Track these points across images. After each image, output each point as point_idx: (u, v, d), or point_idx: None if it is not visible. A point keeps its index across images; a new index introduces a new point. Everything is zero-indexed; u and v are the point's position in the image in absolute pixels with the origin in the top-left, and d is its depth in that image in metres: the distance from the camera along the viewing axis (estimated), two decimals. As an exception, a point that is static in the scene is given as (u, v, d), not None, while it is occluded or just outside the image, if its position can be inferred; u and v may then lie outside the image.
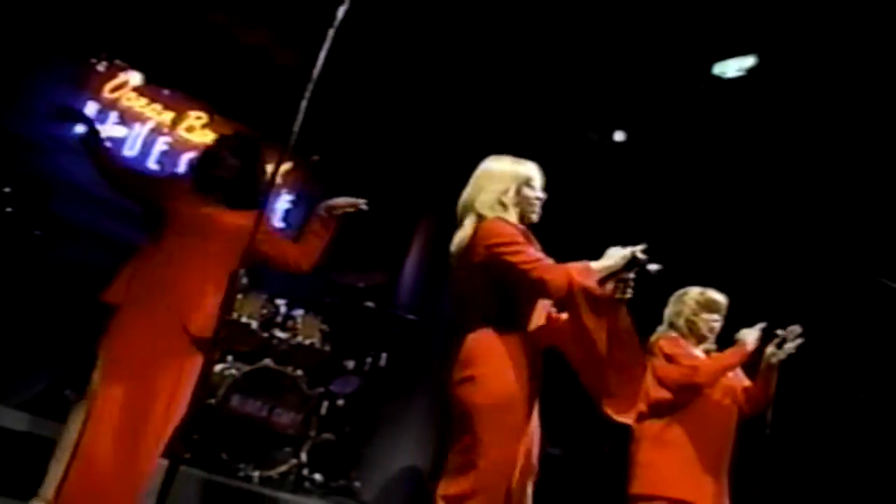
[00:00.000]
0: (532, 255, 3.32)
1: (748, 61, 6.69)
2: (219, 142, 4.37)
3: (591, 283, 3.21)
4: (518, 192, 3.54)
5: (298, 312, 6.56)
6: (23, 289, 6.31)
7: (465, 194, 3.62)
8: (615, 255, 3.31)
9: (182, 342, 3.82)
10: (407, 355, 7.27)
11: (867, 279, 6.34)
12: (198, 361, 3.73)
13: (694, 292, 4.61)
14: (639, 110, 7.99)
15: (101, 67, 7.77)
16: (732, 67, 6.77)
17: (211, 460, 5.35)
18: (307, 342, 6.45)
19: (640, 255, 3.23)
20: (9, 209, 6.44)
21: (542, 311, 3.44)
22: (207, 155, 4.30)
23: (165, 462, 4.50)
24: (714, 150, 7.76)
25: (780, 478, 6.73)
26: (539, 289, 3.29)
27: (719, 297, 4.62)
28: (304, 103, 3.07)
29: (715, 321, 4.57)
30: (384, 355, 7.13)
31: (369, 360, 7.06)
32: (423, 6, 6.96)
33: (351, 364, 7.04)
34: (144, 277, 3.88)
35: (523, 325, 3.34)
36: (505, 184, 3.54)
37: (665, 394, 4.31)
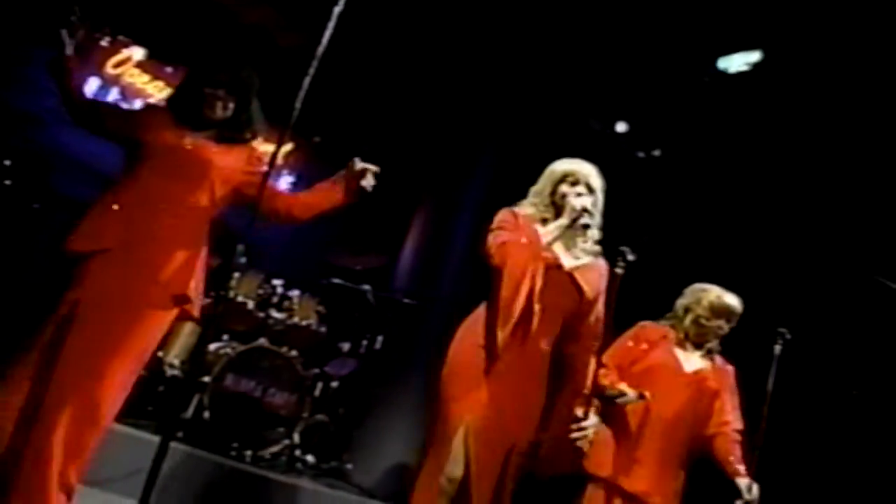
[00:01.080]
0: (502, 236, 3.50)
1: (753, 56, 6.68)
2: (208, 76, 3.74)
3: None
4: (553, 191, 3.72)
5: (295, 293, 6.56)
6: (21, 262, 6.31)
7: None
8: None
9: (156, 296, 3.46)
10: (403, 339, 7.27)
11: (865, 278, 6.36)
12: (169, 317, 3.55)
13: (712, 294, 4.51)
14: (642, 102, 7.98)
15: (104, 42, 7.75)
16: (737, 62, 6.76)
17: (203, 438, 5.35)
18: (303, 323, 6.45)
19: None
20: (8, 182, 6.44)
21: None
22: (193, 89, 3.74)
23: (157, 439, 4.53)
24: (716, 145, 7.75)
25: (776, 474, 6.75)
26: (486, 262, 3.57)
27: (735, 305, 4.51)
28: (306, 81, 3.06)
29: (722, 329, 4.51)
30: (380, 338, 7.14)
31: (365, 342, 7.06)
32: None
33: (346, 346, 7.05)
34: (116, 223, 3.47)
35: (500, 305, 3.44)
36: (542, 183, 3.79)
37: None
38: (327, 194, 3.89)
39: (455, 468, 3.30)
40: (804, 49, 6.52)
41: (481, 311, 3.59)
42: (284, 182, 8.70)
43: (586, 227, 3.61)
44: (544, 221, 3.67)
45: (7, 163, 6.49)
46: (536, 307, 3.49)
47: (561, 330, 3.62)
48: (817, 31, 6.38)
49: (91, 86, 7.77)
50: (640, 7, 6.74)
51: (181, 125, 3.67)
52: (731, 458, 4.28)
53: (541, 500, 5.14)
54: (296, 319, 6.42)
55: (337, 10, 3.02)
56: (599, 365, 3.86)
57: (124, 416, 5.05)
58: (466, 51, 7.60)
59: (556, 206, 3.69)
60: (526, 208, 3.73)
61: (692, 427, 4.35)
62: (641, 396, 4.11)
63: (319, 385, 6.49)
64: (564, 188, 3.69)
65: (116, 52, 7.83)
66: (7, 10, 6.89)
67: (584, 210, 3.55)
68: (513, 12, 7.08)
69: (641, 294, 4.54)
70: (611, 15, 6.85)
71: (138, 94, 7.97)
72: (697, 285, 4.62)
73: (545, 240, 3.53)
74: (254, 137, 3.84)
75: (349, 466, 6.56)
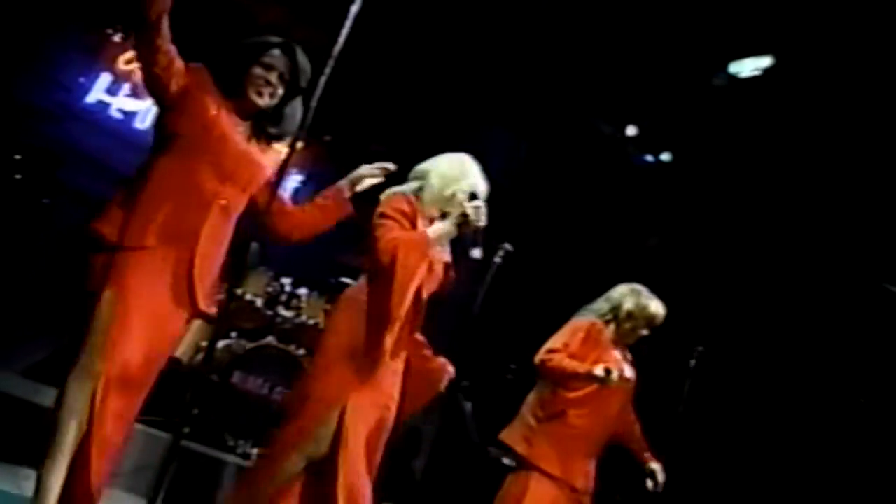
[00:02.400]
0: (394, 231, 3.50)
1: (764, 61, 6.69)
2: (261, 52, 3.27)
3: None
4: (452, 194, 3.72)
5: (303, 291, 6.56)
6: (30, 256, 6.33)
7: None
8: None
9: (188, 305, 3.14)
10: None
11: (871, 284, 6.35)
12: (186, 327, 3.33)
13: (641, 301, 4.76)
14: (652, 106, 7.98)
15: (116, 38, 7.76)
16: (748, 67, 6.76)
17: (210, 436, 5.36)
18: (311, 322, 6.45)
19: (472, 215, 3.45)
20: (18, 176, 6.45)
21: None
22: (240, 65, 3.25)
23: (167, 437, 4.54)
24: (726, 149, 7.74)
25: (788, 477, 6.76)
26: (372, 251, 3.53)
27: (661, 314, 4.79)
28: (322, 80, 3.02)
29: (644, 334, 4.80)
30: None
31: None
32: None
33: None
34: (164, 218, 3.04)
35: (387, 308, 3.44)
36: (441, 181, 3.77)
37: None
38: (334, 209, 3.65)
39: (320, 446, 3.32)
40: (814, 55, 6.52)
41: (363, 296, 3.54)
42: (293, 181, 8.69)
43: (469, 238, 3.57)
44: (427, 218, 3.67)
45: (17, 157, 6.51)
46: (420, 305, 3.61)
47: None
48: (827, 37, 6.38)
49: (102, 82, 7.78)
50: (651, 11, 6.75)
51: (224, 103, 3.20)
52: (644, 447, 4.85)
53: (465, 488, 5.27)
54: (304, 318, 6.42)
55: (354, 9, 2.98)
56: (550, 350, 4.49)
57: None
58: (478, 52, 7.62)
59: (446, 208, 3.68)
60: (410, 194, 3.69)
61: (617, 425, 4.76)
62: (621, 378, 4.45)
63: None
64: (462, 196, 3.67)
65: (128, 48, 7.84)
66: (22, 5, 6.91)
67: (477, 228, 3.53)
68: (526, 14, 7.09)
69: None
70: (620, 21, 6.85)
71: (150, 90, 7.98)
72: (631, 287, 4.84)
73: (430, 237, 3.51)
74: (283, 138, 3.42)
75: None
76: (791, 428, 7.30)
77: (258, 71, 3.22)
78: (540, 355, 4.56)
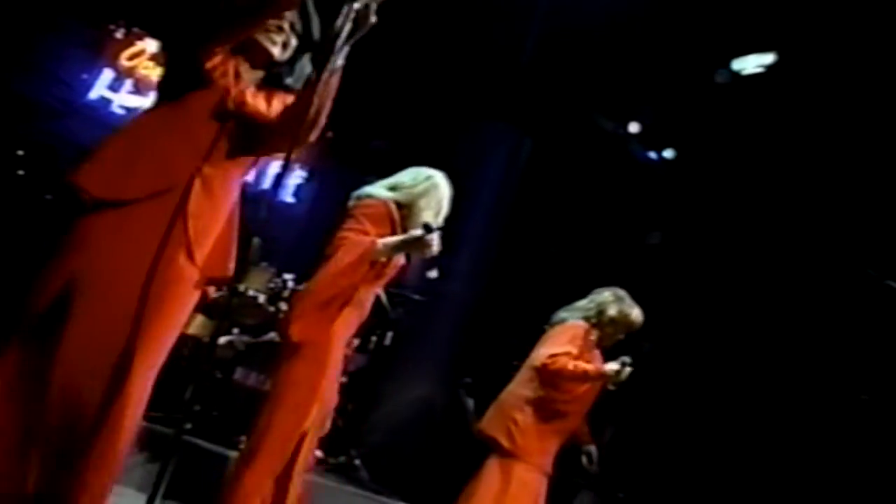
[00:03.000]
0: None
1: (768, 58, 6.68)
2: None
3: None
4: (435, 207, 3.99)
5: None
6: (32, 252, 6.32)
7: None
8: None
9: (188, 271, 2.69)
10: (412, 334, 7.27)
11: (874, 281, 6.33)
12: (195, 299, 2.79)
13: (624, 308, 4.98)
14: (656, 102, 7.97)
15: (118, 34, 7.76)
16: (752, 63, 6.76)
17: (212, 431, 5.35)
18: (313, 318, 6.43)
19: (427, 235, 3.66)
20: (20, 172, 6.45)
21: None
22: (252, 10, 2.80)
23: (169, 432, 4.54)
24: (729, 145, 7.74)
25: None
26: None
27: (639, 322, 5.00)
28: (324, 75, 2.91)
29: (620, 338, 5.01)
30: (390, 334, 7.13)
31: (374, 338, 7.05)
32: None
33: (356, 342, 7.03)
34: (148, 165, 2.64)
35: None
36: (430, 194, 4.02)
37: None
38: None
39: None
40: (817, 51, 6.52)
41: None
42: (296, 178, 8.70)
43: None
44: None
45: (19, 153, 6.50)
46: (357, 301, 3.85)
47: None
48: (830, 34, 6.38)
49: (105, 78, 7.78)
50: (655, 8, 6.74)
51: (236, 50, 2.84)
52: (586, 431, 5.14)
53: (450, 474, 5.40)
54: (306, 314, 6.40)
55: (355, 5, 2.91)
56: (553, 355, 4.70)
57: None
58: (480, 47, 7.61)
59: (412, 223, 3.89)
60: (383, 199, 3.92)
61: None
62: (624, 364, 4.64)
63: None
64: (429, 215, 3.89)
65: (131, 44, 7.84)
66: (19, 1, 6.91)
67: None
68: (529, 11, 7.09)
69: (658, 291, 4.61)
70: (622, 18, 6.84)
71: (152, 87, 7.97)
72: (615, 293, 5.05)
73: (378, 247, 3.72)
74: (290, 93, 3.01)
75: (358, 461, 6.56)
76: (796, 424, 7.30)
77: (272, 21, 2.86)
78: (542, 359, 4.77)
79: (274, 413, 3.65)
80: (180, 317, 2.74)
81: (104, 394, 2.47)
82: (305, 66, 3.04)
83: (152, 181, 2.63)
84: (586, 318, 4.94)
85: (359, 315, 3.87)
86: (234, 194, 2.88)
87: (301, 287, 6.50)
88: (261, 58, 2.90)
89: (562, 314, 5.02)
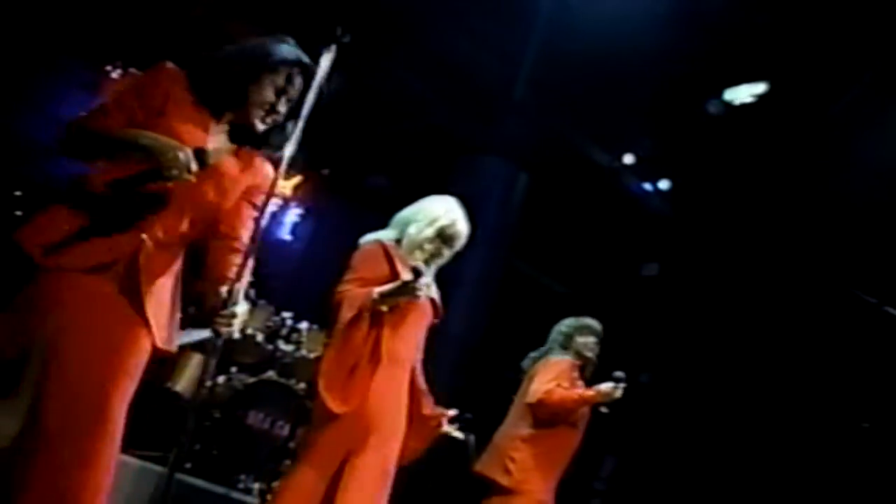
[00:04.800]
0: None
1: (759, 87, 6.74)
2: (282, 61, 2.75)
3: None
4: (433, 239, 3.90)
5: (304, 325, 6.56)
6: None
7: None
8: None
9: (142, 341, 2.58)
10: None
11: (872, 309, 6.35)
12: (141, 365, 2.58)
13: (569, 319, 5.21)
14: (650, 134, 8.03)
15: (115, 75, 7.82)
16: (743, 93, 6.82)
17: (211, 470, 5.35)
18: (311, 355, 6.44)
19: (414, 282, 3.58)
20: (19, 213, 6.47)
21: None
22: (248, 68, 2.71)
23: (164, 470, 4.52)
24: (721, 175, 7.80)
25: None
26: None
27: (592, 322, 5.17)
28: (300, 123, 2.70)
29: (593, 343, 5.10)
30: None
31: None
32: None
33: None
34: (97, 234, 2.57)
35: None
36: (423, 225, 3.92)
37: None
38: None
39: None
40: (809, 80, 6.59)
41: None
42: (292, 216, 8.74)
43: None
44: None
45: (17, 193, 6.53)
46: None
47: None
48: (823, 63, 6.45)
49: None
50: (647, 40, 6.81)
51: (200, 107, 2.69)
52: None
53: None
54: (304, 352, 6.41)
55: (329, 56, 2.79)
56: (547, 390, 4.77)
57: (131, 447, 5.08)
58: (474, 82, 7.68)
59: (425, 250, 3.88)
60: (389, 239, 3.90)
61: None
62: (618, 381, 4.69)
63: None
64: (441, 244, 3.89)
65: (127, 84, 7.90)
66: (23, 42, 6.97)
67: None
68: (523, 43, 7.16)
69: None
70: (618, 48, 6.91)
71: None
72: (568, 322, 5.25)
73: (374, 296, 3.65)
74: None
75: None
76: (797, 452, 7.30)
77: (268, 91, 2.72)
78: (538, 395, 4.82)
79: (295, 469, 3.63)
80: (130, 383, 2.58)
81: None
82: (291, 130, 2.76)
83: (110, 251, 2.56)
84: (563, 349, 5.08)
85: (401, 370, 3.76)
86: (178, 264, 2.74)
87: (302, 326, 6.57)
88: (237, 121, 2.77)
89: (533, 355, 5.19)
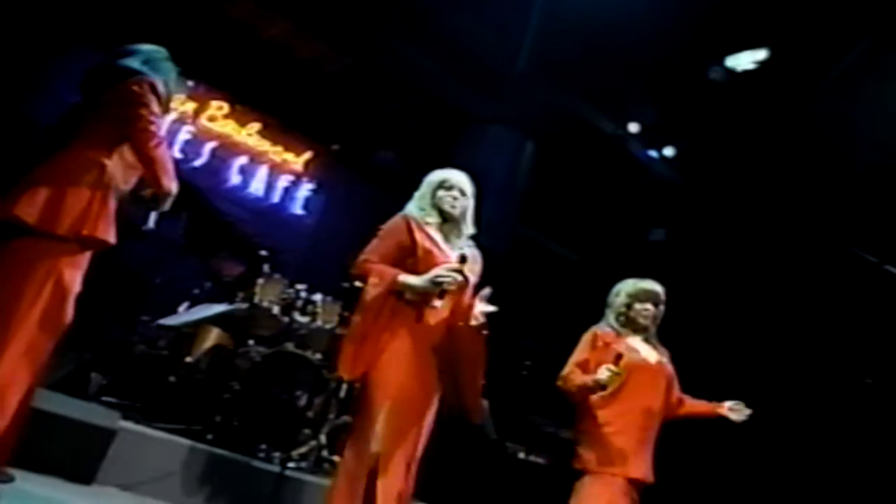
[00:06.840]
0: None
1: (760, 54, 6.76)
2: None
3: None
4: (433, 194, 4.13)
5: (318, 297, 6.64)
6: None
7: None
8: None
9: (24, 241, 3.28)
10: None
11: (873, 268, 6.41)
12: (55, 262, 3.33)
13: (627, 284, 4.83)
14: (655, 101, 8.06)
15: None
16: (745, 60, 6.84)
17: (232, 441, 5.45)
18: (327, 326, 6.53)
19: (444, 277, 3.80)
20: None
21: None
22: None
23: (189, 443, 4.67)
24: (726, 141, 7.83)
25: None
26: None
27: (650, 287, 4.81)
28: None
29: (647, 310, 4.76)
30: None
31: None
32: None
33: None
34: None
35: None
36: (422, 189, 4.19)
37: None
38: None
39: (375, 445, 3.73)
40: (811, 47, 6.61)
41: None
42: (304, 190, 8.83)
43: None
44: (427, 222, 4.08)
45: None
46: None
47: None
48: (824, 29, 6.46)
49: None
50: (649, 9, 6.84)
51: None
52: (701, 406, 4.91)
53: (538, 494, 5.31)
54: (319, 323, 6.50)
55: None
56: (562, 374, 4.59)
57: (154, 419, 5.22)
58: (478, 52, 7.71)
59: (437, 207, 4.12)
60: (413, 211, 4.12)
61: (664, 409, 4.73)
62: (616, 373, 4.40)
63: (344, 387, 6.56)
64: (441, 192, 4.13)
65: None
66: (34, 27, 7.04)
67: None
68: (526, 16, 7.18)
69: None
70: (618, 19, 6.94)
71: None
72: (614, 287, 4.91)
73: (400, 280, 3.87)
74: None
75: (374, 465, 6.64)
76: (802, 413, 7.38)
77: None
78: (559, 379, 4.67)
79: (347, 442, 3.86)
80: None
81: None
82: None
83: None
84: (606, 319, 4.79)
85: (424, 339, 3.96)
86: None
87: (316, 298, 6.67)
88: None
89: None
